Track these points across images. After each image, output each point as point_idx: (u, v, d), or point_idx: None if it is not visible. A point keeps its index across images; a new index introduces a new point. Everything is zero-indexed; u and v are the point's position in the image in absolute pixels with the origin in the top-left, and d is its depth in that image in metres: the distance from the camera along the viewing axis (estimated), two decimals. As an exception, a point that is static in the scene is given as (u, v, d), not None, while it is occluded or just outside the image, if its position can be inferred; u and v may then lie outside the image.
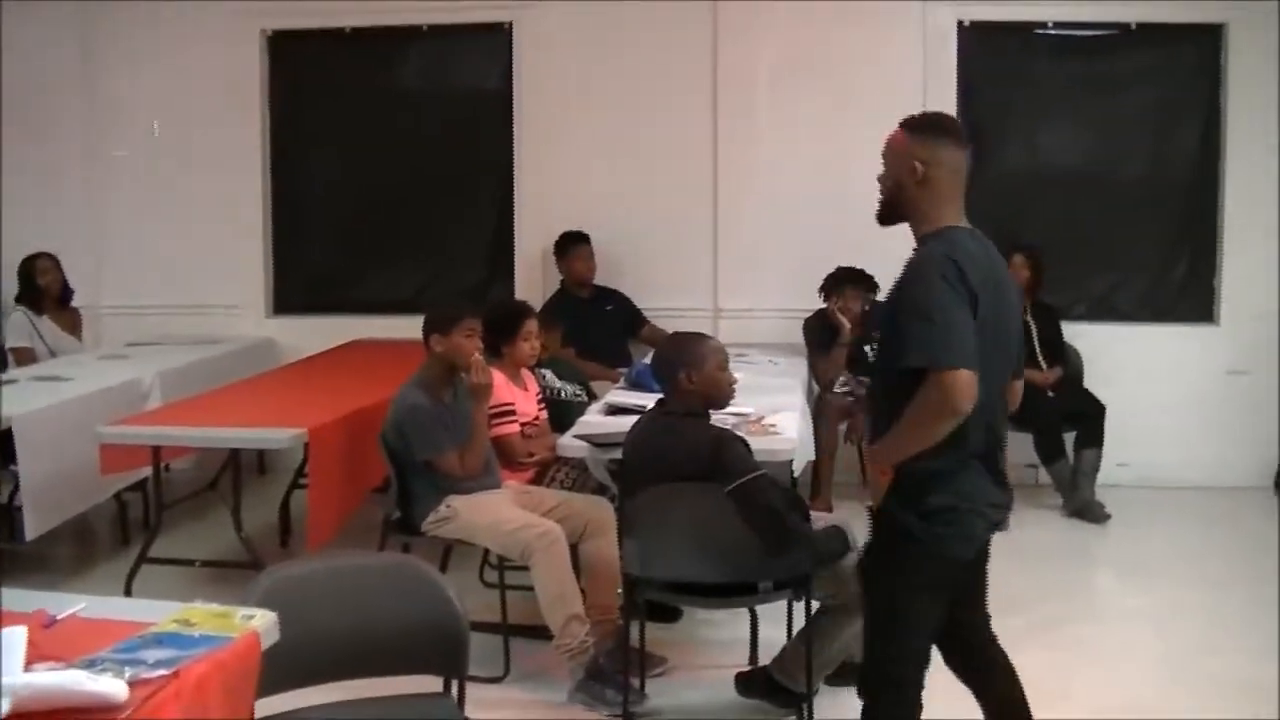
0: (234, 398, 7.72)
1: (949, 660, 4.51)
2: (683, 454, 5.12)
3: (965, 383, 3.81)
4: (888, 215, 4.30)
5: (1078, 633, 6.58)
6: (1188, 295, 9.62)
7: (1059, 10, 9.58)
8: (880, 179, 4.29)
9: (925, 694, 4.30)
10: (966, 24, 9.60)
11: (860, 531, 6.08)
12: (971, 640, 4.54)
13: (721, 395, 5.44)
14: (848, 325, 8.75)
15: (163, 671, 2.76)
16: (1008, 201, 9.62)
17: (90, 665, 2.75)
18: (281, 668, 3.25)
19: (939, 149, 4.15)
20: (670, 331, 6.92)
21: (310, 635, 3.57)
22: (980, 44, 9.66)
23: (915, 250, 4.14)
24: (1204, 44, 9.55)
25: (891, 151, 4.23)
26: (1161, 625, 6.70)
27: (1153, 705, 5.55)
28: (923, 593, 4.15)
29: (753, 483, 4.97)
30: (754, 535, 4.96)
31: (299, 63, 10.24)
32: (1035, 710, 4.50)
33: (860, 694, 4.30)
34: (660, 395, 5.57)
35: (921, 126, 4.24)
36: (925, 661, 4.26)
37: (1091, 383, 9.02)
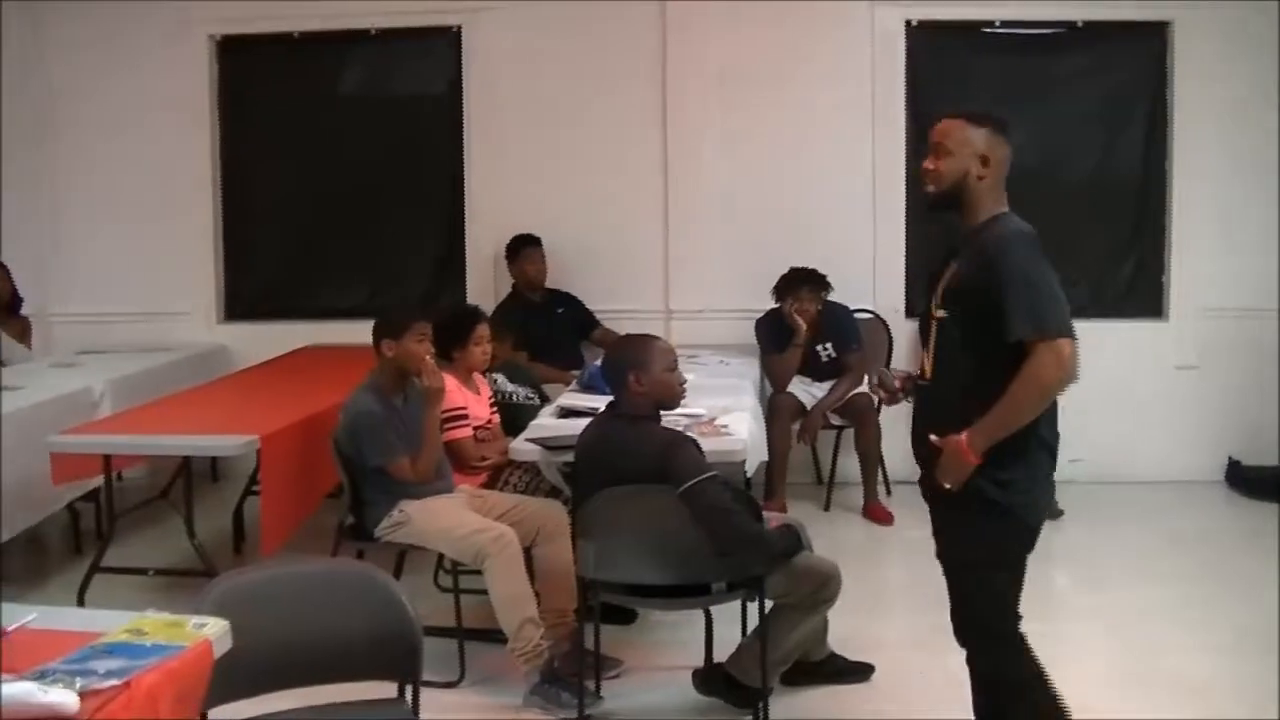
0: (185, 405, 7.70)
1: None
2: (634, 457, 5.11)
3: (1072, 352, 4.06)
4: (943, 201, 4.42)
5: (1031, 629, 6.59)
6: (1137, 292, 9.68)
7: (1006, 9, 9.62)
8: (936, 166, 4.39)
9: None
10: (914, 24, 9.63)
11: (814, 530, 6.13)
12: None
13: (671, 397, 5.43)
14: (803, 326, 8.77)
15: (114, 682, 2.75)
16: (957, 199, 9.67)
17: (41, 676, 2.75)
18: (235, 676, 3.26)
19: (1004, 143, 4.36)
20: (622, 333, 6.94)
21: (263, 643, 3.56)
22: (928, 43, 9.70)
23: (987, 229, 4.30)
24: (1150, 42, 9.61)
25: (956, 140, 4.35)
26: (1115, 621, 6.74)
27: (1106, 702, 5.58)
28: (1009, 560, 4.38)
29: (704, 484, 4.96)
30: (706, 536, 4.97)
31: (247, 68, 10.18)
32: (986, 709, 4.55)
33: (978, 664, 4.55)
34: (612, 398, 5.56)
35: (987, 120, 4.39)
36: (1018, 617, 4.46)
37: (1042, 379, 9.02)
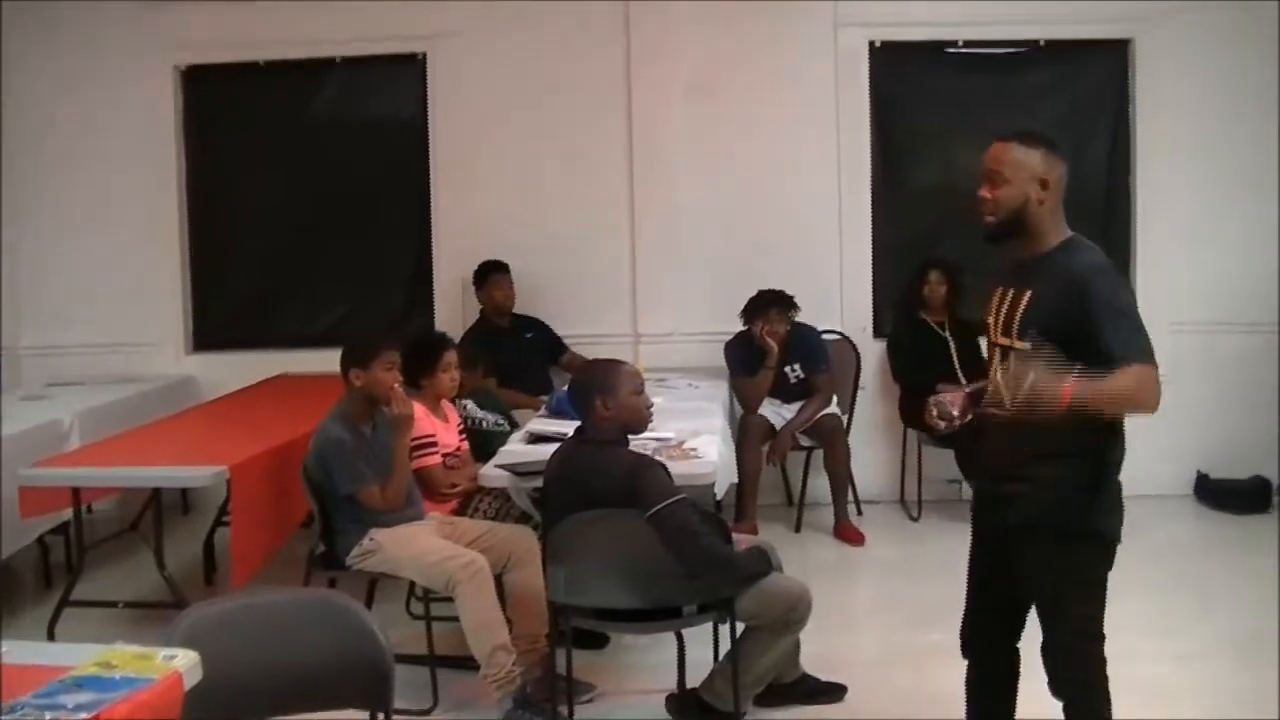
0: (154, 436, 7.68)
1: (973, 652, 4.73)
2: (602, 481, 5.11)
3: (1159, 383, 4.05)
4: (1004, 231, 4.31)
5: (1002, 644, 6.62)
6: (1103, 307, 9.68)
7: (968, 30, 9.68)
8: (994, 195, 4.27)
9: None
10: (877, 44, 9.68)
11: (786, 551, 6.15)
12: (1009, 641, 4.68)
13: (638, 421, 5.43)
14: (775, 348, 8.78)
15: (83, 715, 2.73)
16: (922, 219, 9.80)
17: (11, 711, 2.73)
18: (206, 707, 3.23)
19: (1060, 163, 4.26)
20: (590, 358, 6.95)
21: (234, 673, 3.54)
22: (891, 64, 9.76)
23: (1064, 256, 4.22)
24: (1111, 60, 9.71)
25: (1011, 166, 4.24)
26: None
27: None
28: (1102, 576, 4.36)
29: (673, 507, 4.96)
30: (675, 559, 4.97)
31: (214, 97, 10.16)
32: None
33: (1061, 691, 4.44)
34: (580, 423, 5.56)
35: (1040, 139, 4.29)
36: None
37: (1010, 396, 9.04)
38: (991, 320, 4.38)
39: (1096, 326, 4.01)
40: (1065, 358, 4.05)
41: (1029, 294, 4.21)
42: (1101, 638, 4.39)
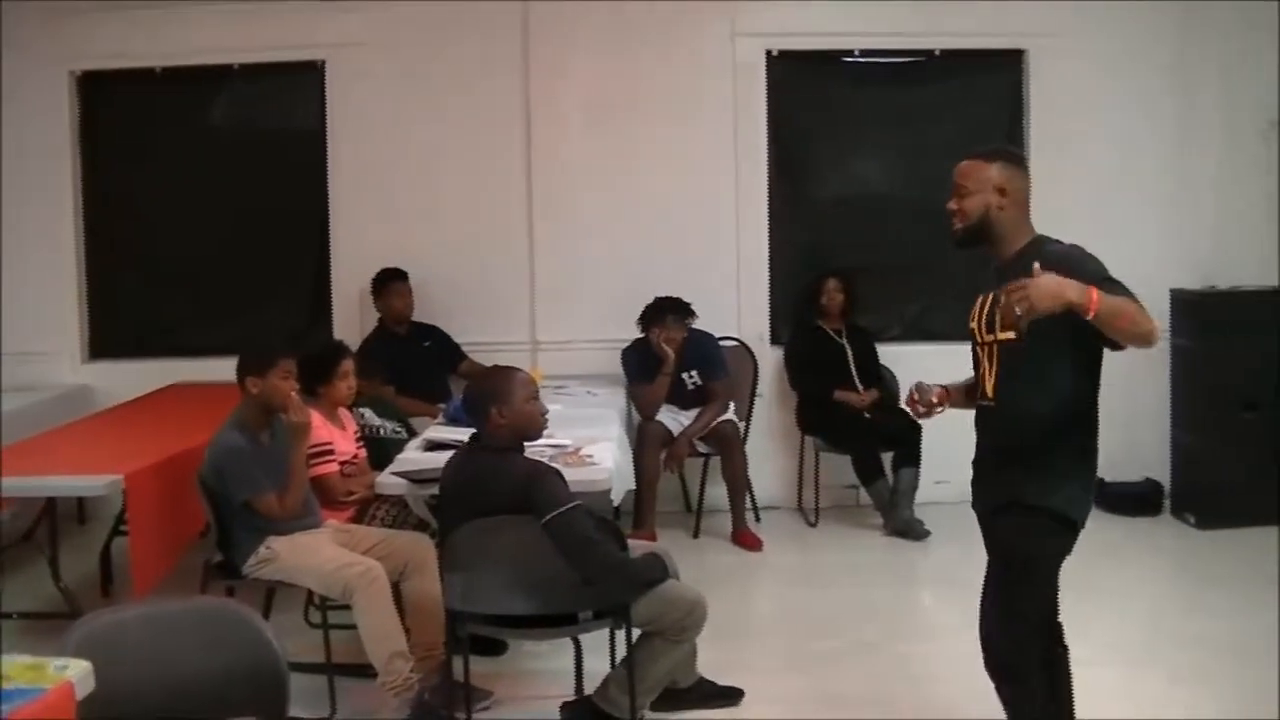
0: (48, 445, 7.58)
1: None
2: (498, 488, 5.12)
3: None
4: (970, 236, 4.61)
5: (899, 651, 6.69)
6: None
7: (864, 40, 9.77)
8: (960, 206, 4.60)
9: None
10: (774, 54, 9.76)
11: (684, 558, 6.19)
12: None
13: (533, 427, 5.45)
14: (672, 355, 8.83)
15: (-28, 727, 2.73)
16: (819, 228, 9.91)
17: (-101, 724, 2.73)
18: (100, 717, 3.23)
19: (1023, 175, 4.60)
20: (488, 366, 6.96)
21: (128, 683, 3.54)
22: (789, 73, 9.84)
23: (1035, 250, 4.42)
24: (1006, 70, 9.85)
25: (974, 179, 4.56)
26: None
27: (971, 715, 5.68)
28: (1058, 563, 4.62)
29: (567, 514, 4.98)
30: (570, 566, 4.99)
31: (110, 104, 10.07)
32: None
33: (1000, 678, 4.67)
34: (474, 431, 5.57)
35: (999, 154, 4.62)
36: None
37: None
38: (975, 325, 4.64)
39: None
40: (1051, 345, 4.34)
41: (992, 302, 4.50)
42: (1032, 622, 4.64)
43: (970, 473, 4.76)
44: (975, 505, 4.76)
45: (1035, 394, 4.43)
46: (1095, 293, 4.05)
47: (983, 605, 4.68)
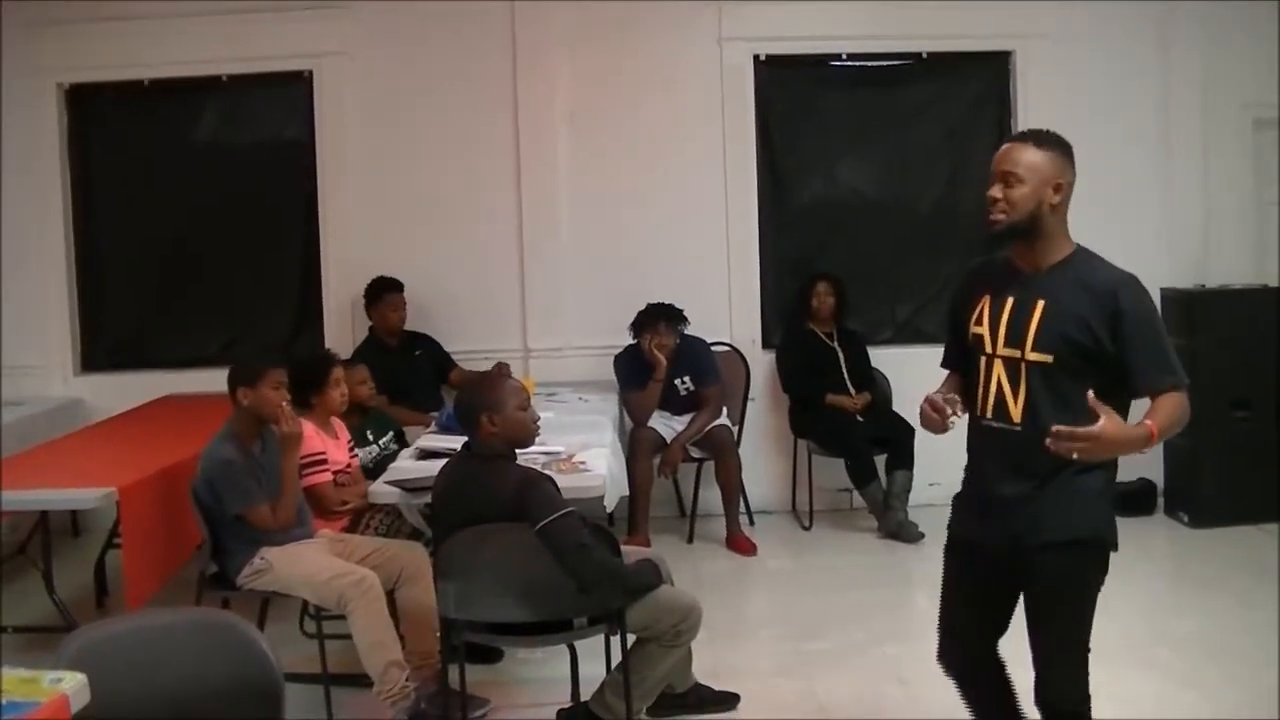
0: (42, 458, 7.57)
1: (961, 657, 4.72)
2: (490, 496, 5.12)
3: None
4: (1015, 233, 4.24)
5: (890, 652, 6.69)
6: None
7: (851, 43, 9.79)
8: (1007, 196, 4.20)
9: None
10: (762, 58, 9.77)
11: (678, 563, 6.19)
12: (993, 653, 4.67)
13: (525, 435, 5.44)
14: (663, 361, 8.83)
15: (-32, 741, 2.73)
16: (809, 232, 9.91)
17: (-106, 738, 2.72)
18: (95, 730, 3.23)
19: (1073, 169, 4.24)
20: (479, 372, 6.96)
21: (123, 696, 3.54)
22: (776, 77, 9.86)
23: (1082, 266, 4.20)
24: (993, 71, 9.89)
25: (1026, 166, 4.18)
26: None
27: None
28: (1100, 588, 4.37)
29: (560, 521, 4.98)
30: (564, 572, 4.99)
31: (99, 116, 10.05)
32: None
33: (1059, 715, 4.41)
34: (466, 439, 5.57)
35: (1055, 142, 4.25)
36: None
37: (900, 405, 9.13)
38: (985, 332, 4.27)
39: (1127, 344, 4.01)
40: (1083, 371, 4.05)
41: (1043, 304, 4.14)
42: (1088, 653, 4.41)
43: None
44: (990, 536, 4.37)
45: (1075, 420, 3.91)
46: (1155, 430, 3.89)
47: (1036, 646, 4.36)
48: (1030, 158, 4.18)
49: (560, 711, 5.74)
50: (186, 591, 6.36)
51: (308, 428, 6.39)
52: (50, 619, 7.03)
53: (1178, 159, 9.71)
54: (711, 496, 9.14)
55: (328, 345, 9.06)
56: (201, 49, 9.71)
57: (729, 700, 6.01)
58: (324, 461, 6.68)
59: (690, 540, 9.06)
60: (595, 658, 5.67)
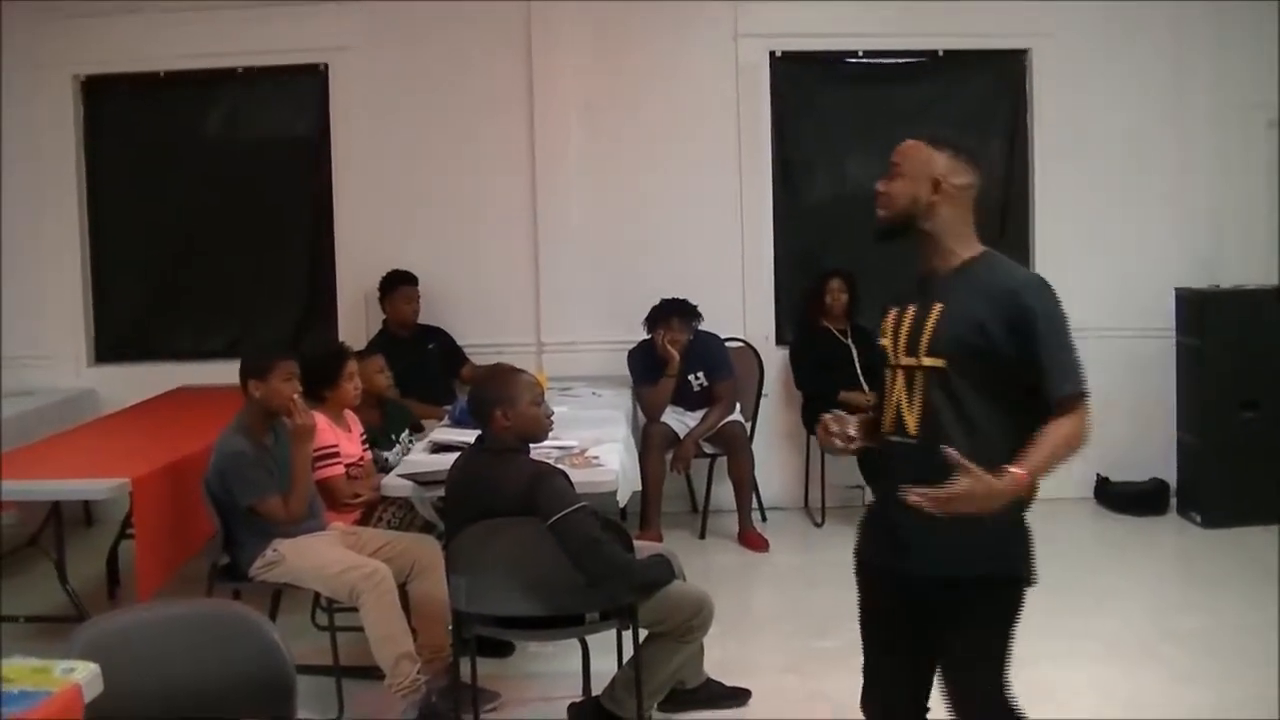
0: (55, 449, 7.59)
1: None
2: (502, 490, 5.11)
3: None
4: (892, 227, 4.02)
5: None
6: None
7: (868, 41, 9.79)
8: (887, 189, 4.01)
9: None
10: (777, 55, 9.76)
11: (690, 558, 6.18)
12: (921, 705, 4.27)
13: (537, 430, 5.43)
14: (676, 357, 8.83)
15: (-20, 730, 2.73)
16: (823, 228, 9.87)
17: (-95, 727, 2.72)
18: (107, 720, 3.23)
19: (966, 171, 3.99)
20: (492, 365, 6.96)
21: (136, 686, 3.53)
22: (792, 74, 9.85)
23: (982, 268, 3.95)
24: (1008, 69, 9.86)
25: (913, 162, 3.98)
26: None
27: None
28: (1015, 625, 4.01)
29: (572, 515, 4.97)
30: (575, 567, 4.99)
31: (114, 108, 10.07)
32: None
33: None
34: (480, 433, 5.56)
35: (951, 144, 4.00)
36: None
37: (913, 402, 9.08)
38: (889, 342, 4.02)
39: (1027, 347, 3.77)
40: (982, 377, 3.82)
41: (939, 308, 3.89)
42: (1008, 690, 4.00)
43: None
44: (892, 565, 4.05)
45: (969, 433, 3.77)
46: (1025, 475, 3.61)
47: (949, 691, 4.06)
48: (915, 152, 4.00)
49: (571, 706, 5.74)
50: (198, 583, 6.36)
51: (320, 420, 6.39)
52: (62, 609, 7.04)
53: (1191, 158, 9.68)
54: (724, 492, 9.14)
55: (341, 338, 9.06)
56: (216, 42, 9.73)
57: (741, 696, 6.01)
58: (336, 454, 6.69)
59: (702, 536, 9.06)
60: (606, 652, 5.67)
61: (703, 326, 9.01)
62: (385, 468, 7.10)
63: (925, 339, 3.88)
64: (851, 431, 4.12)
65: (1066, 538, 8.80)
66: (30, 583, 7.85)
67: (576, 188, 9.73)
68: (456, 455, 5.68)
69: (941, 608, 3.94)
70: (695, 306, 8.92)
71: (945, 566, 3.85)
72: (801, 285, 9.68)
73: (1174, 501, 9.43)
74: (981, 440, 3.74)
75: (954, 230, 3.97)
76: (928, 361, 3.86)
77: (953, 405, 3.84)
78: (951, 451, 3.60)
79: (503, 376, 5.52)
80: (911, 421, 3.91)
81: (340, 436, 6.79)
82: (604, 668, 5.69)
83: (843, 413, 4.18)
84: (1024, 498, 3.74)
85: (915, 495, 3.59)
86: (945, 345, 3.85)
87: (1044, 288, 3.86)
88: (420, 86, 9.78)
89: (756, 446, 9.18)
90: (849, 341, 9.31)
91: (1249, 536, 8.59)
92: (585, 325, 9.71)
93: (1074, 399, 3.76)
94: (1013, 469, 3.60)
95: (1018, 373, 3.78)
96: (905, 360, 3.93)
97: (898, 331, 3.99)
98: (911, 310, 3.97)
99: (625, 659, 5.51)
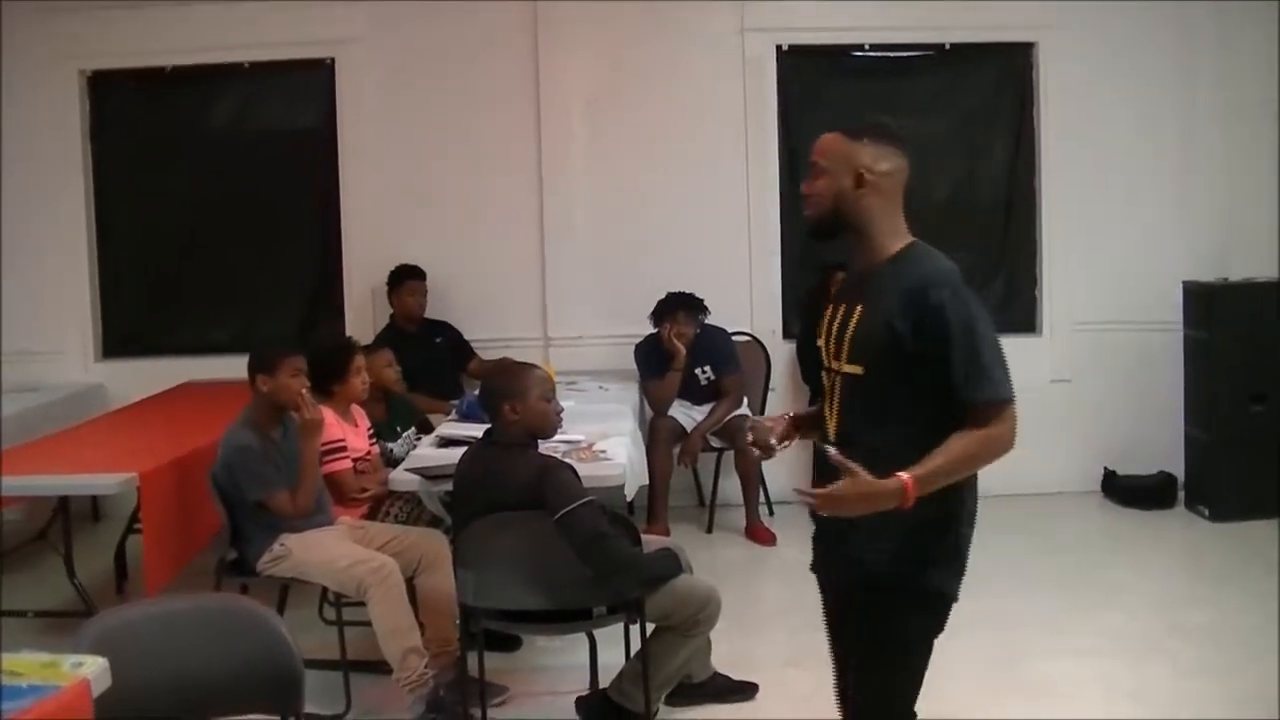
0: (63, 444, 7.60)
1: None
2: (509, 483, 5.12)
3: (1016, 417, 3.61)
4: (822, 226, 3.84)
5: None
6: (1010, 307, 9.86)
7: (873, 34, 9.78)
8: (811, 188, 3.83)
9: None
10: (784, 48, 9.76)
11: (697, 552, 6.18)
12: None
13: (546, 426, 5.44)
14: (682, 350, 8.83)
15: (-11, 725, 2.73)
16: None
17: (-86, 721, 2.73)
18: (116, 714, 3.22)
19: (887, 156, 3.78)
20: (500, 358, 6.96)
21: (144, 680, 3.55)
22: (798, 68, 9.85)
23: (902, 266, 3.74)
24: (1015, 62, 9.85)
25: (831, 157, 3.79)
26: (993, 630, 6.81)
27: (979, 707, 5.70)
28: (925, 643, 3.87)
29: (579, 509, 4.97)
30: (582, 561, 4.99)
31: (121, 102, 10.08)
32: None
33: None
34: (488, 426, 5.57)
35: (865, 131, 3.81)
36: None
37: (920, 397, 9.06)
38: (822, 344, 3.90)
39: (938, 349, 3.56)
40: (896, 380, 3.66)
41: (859, 310, 3.74)
42: (908, 708, 3.87)
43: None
44: (818, 571, 4.13)
45: (884, 440, 3.63)
46: (910, 483, 3.45)
47: (841, 691, 4.09)
48: (834, 147, 3.81)
49: (579, 699, 5.75)
50: (205, 578, 6.37)
51: (328, 415, 6.39)
52: (71, 604, 7.04)
53: (1201, 151, 9.67)
54: (731, 486, 9.13)
55: (349, 332, 9.07)
56: (222, 36, 9.73)
57: (748, 690, 6.01)
58: (344, 449, 6.69)
59: (709, 530, 9.05)
60: (614, 646, 5.68)
61: (709, 320, 9.01)
62: (390, 460, 7.11)
63: (846, 345, 3.76)
64: (773, 440, 4.08)
65: (1073, 532, 8.82)
66: (38, 578, 7.86)
67: (583, 181, 9.73)
68: (463, 450, 5.68)
69: (849, 611, 3.94)
70: (702, 300, 8.92)
71: (848, 570, 3.84)
72: (809, 279, 9.66)
73: (1182, 495, 9.42)
74: (898, 448, 3.56)
75: (882, 223, 3.78)
76: (847, 368, 3.76)
77: (868, 412, 3.73)
78: (832, 452, 3.57)
79: (513, 370, 5.52)
80: (831, 427, 3.84)
81: (347, 431, 6.79)
82: (611, 662, 5.69)
83: (761, 420, 4.20)
84: (955, 513, 3.69)
85: (800, 494, 3.60)
86: (860, 351, 3.72)
87: (951, 283, 3.64)
88: (426, 81, 9.78)
89: (765, 440, 9.17)
90: (857, 336, 9.29)
91: (1257, 530, 8.58)
92: (592, 319, 9.72)
93: (985, 406, 3.57)
94: (902, 474, 3.47)
95: (938, 375, 3.57)
96: (833, 364, 3.83)
97: (829, 334, 3.86)
98: (841, 311, 3.82)
99: (633, 653, 5.52)
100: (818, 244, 4.05)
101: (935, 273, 3.68)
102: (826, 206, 3.79)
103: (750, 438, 4.13)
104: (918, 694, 3.86)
